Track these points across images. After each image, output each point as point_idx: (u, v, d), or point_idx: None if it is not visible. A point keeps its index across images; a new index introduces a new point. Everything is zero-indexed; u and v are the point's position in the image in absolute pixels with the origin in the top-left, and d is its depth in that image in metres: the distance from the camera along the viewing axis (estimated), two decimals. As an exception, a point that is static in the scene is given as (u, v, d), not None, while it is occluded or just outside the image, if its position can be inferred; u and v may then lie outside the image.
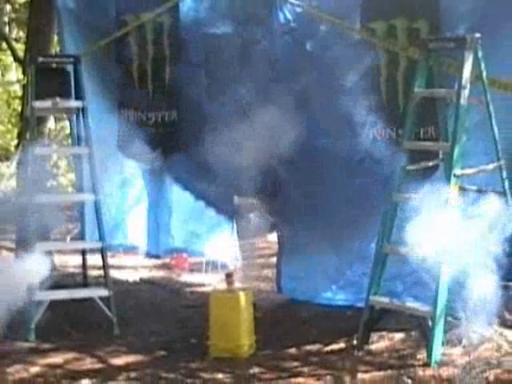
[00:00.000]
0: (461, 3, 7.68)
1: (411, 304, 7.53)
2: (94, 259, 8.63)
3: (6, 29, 16.67)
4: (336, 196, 8.50)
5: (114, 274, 9.18)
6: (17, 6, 16.98)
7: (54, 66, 8.58)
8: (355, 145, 8.27)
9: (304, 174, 8.54)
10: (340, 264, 8.76)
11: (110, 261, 8.60)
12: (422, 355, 7.12)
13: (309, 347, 7.62)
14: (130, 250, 10.83)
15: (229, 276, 7.83)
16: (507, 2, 7.69)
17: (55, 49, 10.90)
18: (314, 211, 8.69)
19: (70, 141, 9.25)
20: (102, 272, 8.31)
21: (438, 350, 6.98)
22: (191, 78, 8.47)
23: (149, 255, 10.84)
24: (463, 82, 7.25)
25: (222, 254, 10.16)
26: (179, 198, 9.83)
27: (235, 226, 10.16)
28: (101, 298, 8.05)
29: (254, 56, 8.47)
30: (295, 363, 7.24)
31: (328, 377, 6.81)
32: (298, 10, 8.42)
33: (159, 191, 10.12)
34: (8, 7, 17.60)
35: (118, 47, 8.80)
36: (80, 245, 9.18)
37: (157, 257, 10.89)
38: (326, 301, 8.81)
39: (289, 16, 8.56)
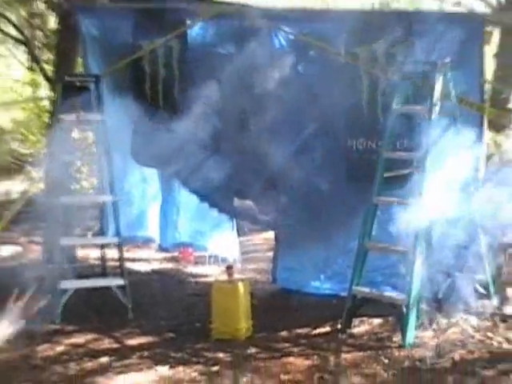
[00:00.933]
0: (432, 32, 7.75)
1: (388, 293, 7.60)
2: (112, 253, 8.63)
3: (38, 52, 16.66)
4: (324, 200, 8.53)
5: (129, 265, 9.19)
6: (47, 33, 17.02)
7: (78, 84, 8.61)
8: (341, 154, 8.32)
9: (297, 182, 8.56)
10: (328, 258, 8.84)
11: (126, 254, 8.62)
12: (397, 338, 7.20)
13: (298, 331, 7.67)
14: (148, 241, 10.80)
15: (229, 268, 7.88)
16: (472, 33, 7.78)
17: (79, 69, 10.91)
18: (306, 213, 8.71)
19: (92, 149, 9.25)
20: (118, 264, 8.33)
21: (412, 334, 7.06)
22: (197, 95, 8.48)
23: (160, 248, 10.86)
24: (434, 100, 7.35)
25: (223, 248, 10.19)
26: (186, 199, 9.84)
27: (235, 224, 10.22)
28: (117, 287, 8.09)
29: (254, 75, 8.50)
30: (286, 344, 7.29)
31: (315, 356, 6.86)
32: (291, 37, 8.47)
33: (169, 192, 10.14)
34: (40, 34, 17.63)
35: (134, 68, 8.81)
36: (99, 240, 9.19)
37: (166, 250, 10.89)
38: (315, 290, 8.87)
39: (283, 42, 8.59)
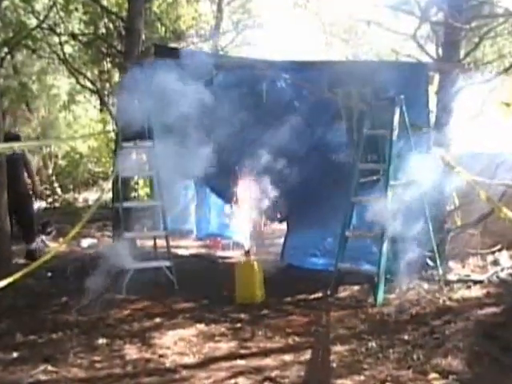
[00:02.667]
0: (391, 76, 7.74)
1: (363, 267, 7.59)
2: (161, 242, 8.62)
3: (106, 98, 16.80)
4: (321, 199, 8.51)
5: (174, 251, 9.16)
6: (112, 84, 17.19)
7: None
8: (328, 166, 8.29)
9: (302, 187, 8.51)
10: (322, 241, 8.82)
11: (171, 243, 8.58)
12: (370, 299, 7.19)
13: (299, 296, 7.67)
14: (190, 231, 10.72)
15: (247, 252, 7.90)
16: (419, 76, 7.79)
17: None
18: (309, 208, 8.72)
19: (145, 167, 9.23)
20: (166, 250, 8.31)
21: (381, 296, 7.05)
22: (223, 125, 8.44)
23: (197, 238, 10.83)
24: (393, 125, 7.35)
25: (243, 237, 10.17)
26: (215, 200, 9.84)
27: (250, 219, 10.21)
28: (166, 267, 8.08)
29: (262, 107, 8.46)
30: (290, 306, 7.29)
31: (311, 315, 6.88)
32: (289, 81, 8.45)
33: (202, 196, 10.13)
34: (107, 85, 17.79)
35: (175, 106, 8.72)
36: (152, 233, 9.16)
37: (201, 239, 10.87)
38: (312, 264, 8.80)
39: (283, 84, 8.57)
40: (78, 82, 15.76)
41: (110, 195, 10.64)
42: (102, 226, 12.55)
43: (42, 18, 15.22)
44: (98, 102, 18.55)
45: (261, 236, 11.11)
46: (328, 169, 8.29)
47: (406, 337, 5.90)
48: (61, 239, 9.95)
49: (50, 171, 18.14)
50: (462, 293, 7.20)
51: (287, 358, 5.60)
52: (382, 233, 7.18)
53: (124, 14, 12.89)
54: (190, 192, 10.50)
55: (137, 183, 13.18)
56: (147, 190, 11.51)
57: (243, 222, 9.99)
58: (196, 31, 17.82)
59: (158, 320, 6.79)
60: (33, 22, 15.74)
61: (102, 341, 6.09)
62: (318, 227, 8.76)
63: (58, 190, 17.31)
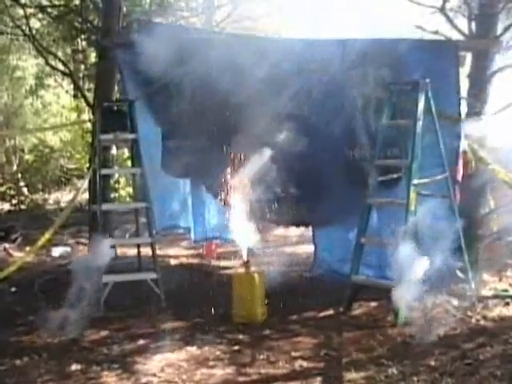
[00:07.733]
0: (415, 56, 7.76)
1: (382, 280, 7.61)
2: (146, 250, 8.62)
3: (81, 82, 16.78)
4: (345, 204, 8.46)
5: (161, 260, 9.16)
6: (88, 66, 17.18)
7: (115, 108, 8.63)
8: (345, 164, 8.33)
9: (327, 194, 8.50)
10: (350, 243, 8.79)
11: (158, 251, 8.59)
12: (390, 318, 7.22)
13: (306, 314, 7.68)
14: (187, 231, 10.63)
15: (246, 262, 7.89)
16: (448, 57, 7.81)
17: (116, 95, 10.93)
18: (335, 215, 8.74)
19: (128, 163, 9.25)
20: (151, 259, 8.33)
21: (402, 314, 7.05)
22: (215, 120, 8.44)
23: (193, 241, 10.74)
24: (417, 114, 7.37)
25: (244, 242, 10.15)
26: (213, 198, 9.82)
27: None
28: (151, 280, 8.11)
29: (267, 93, 8.42)
30: (296, 326, 7.30)
31: (321, 335, 6.90)
32: (295, 62, 8.43)
33: (198, 192, 10.05)
34: (82, 66, 17.79)
35: (163, 94, 8.75)
36: (135, 240, 9.20)
37: (197, 242, 10.75)
38: (339, 271, 8.73)
39: (288, 67, 8.52)
40: (47, 63, 15.64)
41: (85, 196, 10.66)
42: (77, 232, 12.55)
43: (2, -15, 15.14)
44: (72, 86, 18.52)
45: (264, 243, 11.09)
46: (345, 169, 8.38)
47: (432, 362, 5.92)
48: (28, 248, 9.95)
49: (15, 168, 18.13)
50: (498, 311, 7.23)
51: (293, 386, 5.61)
52: (404, 239, 7.17)
53: (101, -18, 12.87)
54: (187, 186, 10.44)
55: (117, 182, 13.20)
56: (129, 189, 11.46)
57: (244, 226, 9.98)
58: (186, 4, 17.82)
59: (141, 342, 6.81)
60: (-9, -10, 15.65)
61: (75, 367, 6.11)
62: (343, 227, 8.79)
63: (25, 190, 17.34)
